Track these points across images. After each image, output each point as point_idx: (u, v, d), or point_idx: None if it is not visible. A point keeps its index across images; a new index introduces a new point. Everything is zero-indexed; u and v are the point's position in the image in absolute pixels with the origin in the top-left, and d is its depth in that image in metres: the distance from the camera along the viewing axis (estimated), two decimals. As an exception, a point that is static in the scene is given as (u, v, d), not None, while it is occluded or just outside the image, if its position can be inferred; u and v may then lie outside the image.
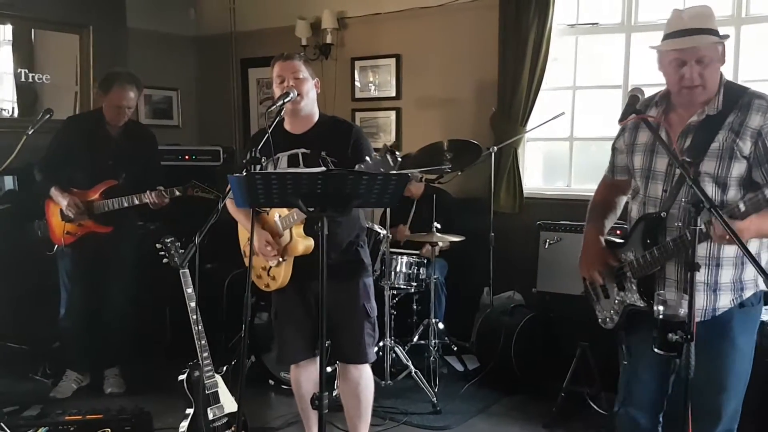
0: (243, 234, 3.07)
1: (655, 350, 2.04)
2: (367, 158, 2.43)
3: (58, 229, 3.89)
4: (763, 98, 2.13)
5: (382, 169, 2.37)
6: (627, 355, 2.41)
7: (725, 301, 2.21)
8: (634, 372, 2.42)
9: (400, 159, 2.42)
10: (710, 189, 2.15)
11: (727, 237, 1.89)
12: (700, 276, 2.17)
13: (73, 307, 4.03)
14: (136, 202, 3.77)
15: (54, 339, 4.36)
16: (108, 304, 4.06)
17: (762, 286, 2.23)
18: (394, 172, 2.35)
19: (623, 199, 2.54)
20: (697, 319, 2.17)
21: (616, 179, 2.50)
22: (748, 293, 2.22)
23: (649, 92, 2.32)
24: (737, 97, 2.15)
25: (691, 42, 2.10)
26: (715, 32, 2.12)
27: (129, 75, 3.95)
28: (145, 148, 4.07)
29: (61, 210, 3.84)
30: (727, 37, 2.15)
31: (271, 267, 2.87)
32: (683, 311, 2.00)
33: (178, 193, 3.75)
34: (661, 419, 2.44)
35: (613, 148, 2.49)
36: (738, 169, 2.12)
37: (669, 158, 2.18)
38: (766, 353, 3.14)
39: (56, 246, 3.93)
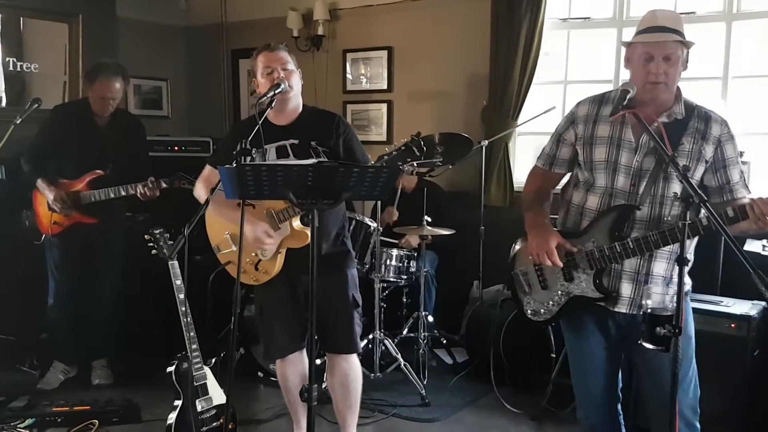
0: (214, 229, 3.03)
1: (644, 344, 2.05)
2: (388, 149, 2.45)
3: (45, 219, 3.87)
4: (717, 113, 2.29)
5: (408, 159, 2.45)
6: (569, 346, 2.47)
7: (672, 292, 2.27)
8: (583, 372, 2.46)
9: (425, 149, 2.45)
10: (679, 187, 2.22)
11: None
12: (660, 269, 2.27)
13: (61, 297, 4.01)
14: (123, 193, 3.74)
15: (42, 330, 4.35)
16: (96, 295, 4.04)
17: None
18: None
19: (552, 192, 2.57)
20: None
21: (554, 171, 2.52)
22: (686, 287, 2.31)
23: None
24: (693, 108, 2.28)
25: (661, 37, 2.18)
26: (682, 35, 2.21)
27: (115, 66, 3.90)
28: (132, 138, 4.03)
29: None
30: (692, 43, 2.22)
31: (260, 261, 2.85)
32: (648, 302, 2.05)
33: (164, 185, 3.71)
34: (620, 410, 2.49)
35: (560, 139, 2.48)
36: (699, 171, 2.26)
37: (634, 153, 2.26)
38: (753, 347, 3.18)
39: (44, 235, 3.91)
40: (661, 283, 2.27)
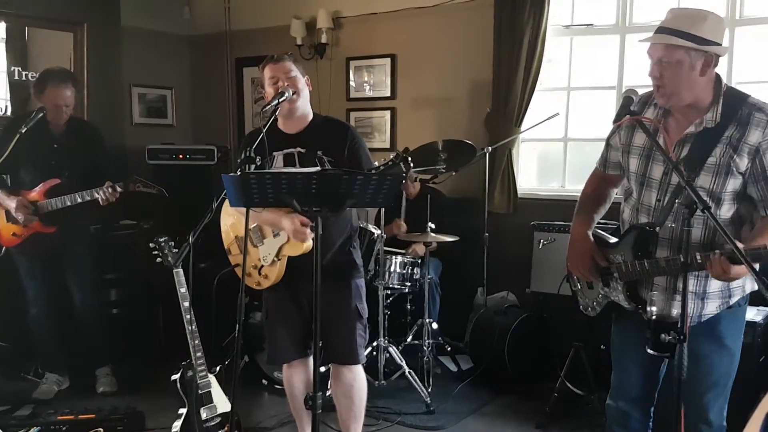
0: (227, 232, 3.05)
1: (648, 351, 2.04)
2: (377, 164, 2.44)
3: (5, 231, 3.83)
4: (763, 111, 2.05)
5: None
6: (613, 333, 2.44)
7: (712, 307, 2.21)
8: (623, 366, 2.43)
9: (412, 165, 2.44)
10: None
11: (725, 275, 1.92)
12: (690, 285, 2.12)
13: (41, 305, 3.98)
14: (79, 200, 3.68)
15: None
16: (74, 304, 4.00)
17: (748, 290, 2.25)
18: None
19: (614, 192, 2.53)
20: None
21: (608, 173, 2.48)
22: (735, 299, 2.23)
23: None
24: (736, 109, 2.07)
25: (653, 39, 2.07)
26: (692, 37, 2.00)
27: (63, 72, 3.88)
28: (88, 145, 3.95)
29: (7, 212, 3.78)
30: (707, 44, 2.01)
31: (263, 266, 2.87)
32: (675, 312, 2.01)
33: (119, 189, 3.63)
34: (652, 414, 2.46)
35: (608, 143, 2.45)
36: (733, 184, 2.09)
37: (664, 166, 2.17)
38: (759, 353, 3.16)
39: (3, 248, 3.87)
40: (692, 298, 2.18)
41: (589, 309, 2.48)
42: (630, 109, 2.13)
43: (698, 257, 1.98)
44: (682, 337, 1.91)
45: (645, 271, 2.19)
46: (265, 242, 2.86)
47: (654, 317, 2.04)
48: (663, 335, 1.97)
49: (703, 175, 2.09)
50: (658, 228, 2.18)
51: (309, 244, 2.74)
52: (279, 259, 2.82)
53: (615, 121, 2.17)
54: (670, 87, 2.07)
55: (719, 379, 2.26)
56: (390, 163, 2.50)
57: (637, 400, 2.42)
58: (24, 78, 4.94)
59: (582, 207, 2.51)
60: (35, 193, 3.78)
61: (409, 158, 2.48)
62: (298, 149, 2.81)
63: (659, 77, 2.07)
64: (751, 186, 2.09)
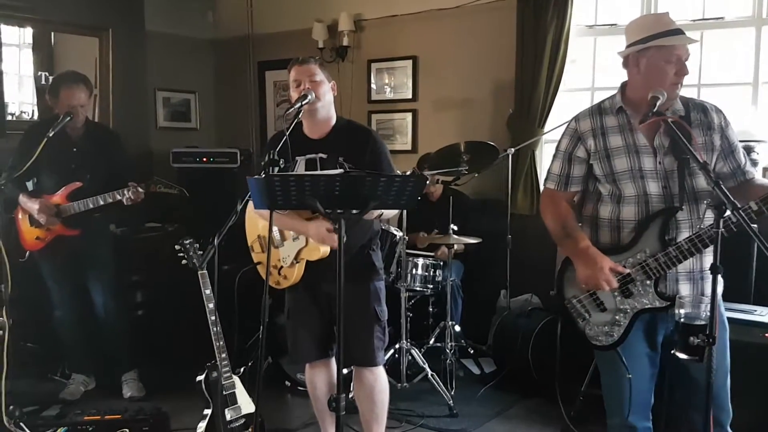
0: (251, 230, 3.06)
1: (677, 354, 2.02)
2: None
3: (29, 235, 3.86)
4: (708, 102, 2.37)
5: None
6: (628, 368, 2.34)
7: (720, 285, 2.24)
8: (625, 379, 2.37)
9: (428, 182, 2.43)
10: (702, 180, 2.21)
11: None
12: (707, 264, 2.19)
13: (65, 306, 4.02)
14: (102, 202, 3.70)
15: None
16: (97, 307, 4.03)
17: None
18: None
19: (572, 210, 2.51)
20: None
21: (570, 191, 2.46)
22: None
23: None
24: (687, 102, 2.33)
25: (687, 39, 2.24)
26: None
27: (74, 74, 3.92)
28: (107, 147, 3.98)
29: (30, 216, 3.81)
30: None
31: (282, 266, 2.88)
32: (704, 314, 2.00)
33: (141, 190, 3.64)
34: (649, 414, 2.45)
35: (570, 158, 2.42)
36: (713, 161, 2.29)
37: (654, 156, 2.28)
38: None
39: (27, 252, 3.88)
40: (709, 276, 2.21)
41: (611, 334, 2.35)
42: (655, 111, 2.14)
43: (754, 205, 2.07)
44: (711, 339, 1.90)
45: (682, 254, 2.20)
46: (286, 244, 2.88)
47: (682, 320, 2.01)
48: (692, 338, 1.95)
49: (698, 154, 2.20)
50: (682, 208, 2.24)
51: (326, 250, 2.74)
52: (298, 262, 2.83)
53: (641, 122, 2.19)
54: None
55: (727, 362, 2.30)
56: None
57: (644, 408, 2.40)
58: (51, 82, 5.00)
59: (561, 231, 2.44)
60: (57, 197, 3.81)
61: (424, 175, 2.48)
62: (320, 155, 2.82)
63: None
64: (721, 162, 2.30)
